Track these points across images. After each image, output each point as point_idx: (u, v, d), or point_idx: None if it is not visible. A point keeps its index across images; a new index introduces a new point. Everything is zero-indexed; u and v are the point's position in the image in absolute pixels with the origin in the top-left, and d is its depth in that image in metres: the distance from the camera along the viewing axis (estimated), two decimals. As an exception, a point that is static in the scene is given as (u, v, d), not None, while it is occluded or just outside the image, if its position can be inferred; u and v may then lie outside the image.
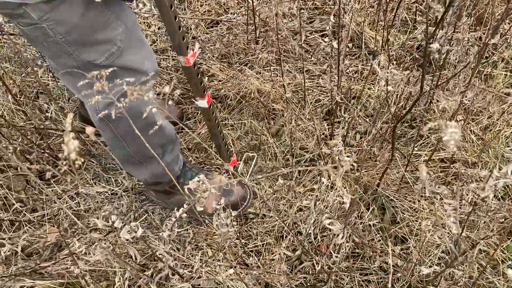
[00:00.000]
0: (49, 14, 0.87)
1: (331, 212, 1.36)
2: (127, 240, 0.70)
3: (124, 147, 1.20)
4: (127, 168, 1.35)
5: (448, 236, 1.23)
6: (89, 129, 0.49)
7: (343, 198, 0.61)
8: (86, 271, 1.24)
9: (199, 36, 1.89)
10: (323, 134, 1.56)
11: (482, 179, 0.71)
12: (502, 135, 1.52)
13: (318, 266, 0.99)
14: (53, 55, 0.98)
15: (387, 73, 0.91)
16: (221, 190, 1.36)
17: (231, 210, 0.85)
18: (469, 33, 1.36)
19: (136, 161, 1.26)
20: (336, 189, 1.26)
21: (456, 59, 1.67)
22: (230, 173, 1.35)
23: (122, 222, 0.69)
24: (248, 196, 1.40)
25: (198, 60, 1.79)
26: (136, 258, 1.28)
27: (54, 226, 1.42)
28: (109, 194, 1.49)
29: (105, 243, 1.32)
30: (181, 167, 1.36)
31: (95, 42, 0.96)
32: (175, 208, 0.95)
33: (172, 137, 1.28)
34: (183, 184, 1.35)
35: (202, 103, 1.17)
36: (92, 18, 0.92)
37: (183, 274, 1.05)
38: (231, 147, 1.56)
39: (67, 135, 0.43)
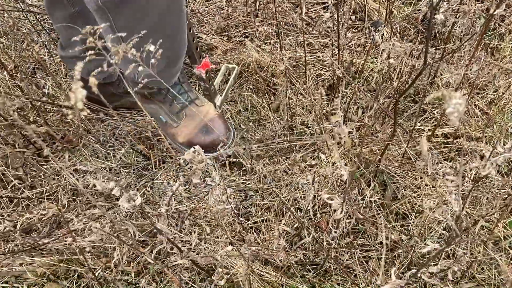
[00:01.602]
0: None
1: (331, 187, 1.34)
2: (127, 209, 0.68)
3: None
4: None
5: (449, 214, 1.21)
6: (92, 80, 0.46)
7: (341, 171, 0.59)
8: (84, 247, 1.24)
9: (197, 9, 1.84)
10: (324, 109, 1.53)
11: (485, 154, 0.69)
12: (507, 109, 1.49)
13: (310, 242, 0.98)
14: None
15: (389, 45, 0.88)
16: (200, 124, 1.22)
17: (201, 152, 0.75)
18: (475, 5, 1.31)
19: (130, 59, 1.18)
20: (334, 163, 1.24)
21: (462, 31, 1.63)
22: (215, 109, 1.17)
23: (121, 191, 0.67)
24: (230, 139, 1.24)
25: (196, 34, 1.75)
26: (134, 235, 1.28)
27: (53, 203, 1.41)
28: (107, 171, 1.47)
29: (104, 220, 1.31)
30: (175, 80, 1.23)
31: None
32: (171, 183, 0.94)
33: (182, 53, 1.14)
34: (165, 96, 1.22)
35: None
36: None
37: (182, 249, 1.04)
38: (233, 121, 1.53)
39: (75, 83, 0.40)
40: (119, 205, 0.74)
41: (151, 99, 1.25)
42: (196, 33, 1.75)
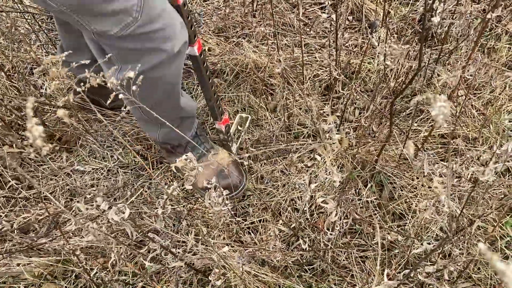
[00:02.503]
0: None
1: (327, 189, 1.34)
2: (116, 222, 0.68)
3: (140, 110, 1.19)
4: (139, 123, 1.36)
5: (444, 214, 1.21)
6: (61, 112, 0.47)
7: (333, 177, 0.59)
8: (82, 248, 1.25)
9: (195, 9, 1.85)
10: (321, 110, 1.53)
11: (482, 156, 0.69)
12: (504, 110, 1.49)
13: (305, 244, 0.98)
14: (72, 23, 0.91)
15: (386, 47, 0.88)
16: (216, 170, 1.34)
17: (221, 189, 0.84)
18: (471, 6, 1.32)
19: (151, 122, 1.26)
20: (329, 166, 1.24)
21: (458, 32, 1.63)
22: (231, 157, 1.33)
23: (109, 204, 0.67)
24: (242, 184, 1.36)
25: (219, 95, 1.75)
26: (132, 235, 1.28)
27: (50, 203, 1.41)
28: (105, 171, 1.47)
29: (101, 221, 1.31)
30: (193, 134, 1.36)
31: (102, 12, 0.87)
32: (168, 184, 0.95)
33: (193, 113, 1.27)
34: (185, 147, 1.36)
35: (192, 50, 1.07)
36: None
37: (177, 253, 1.04)
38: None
39: (29, 121, 0.40)
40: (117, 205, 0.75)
41: (174, 152, 1.37)
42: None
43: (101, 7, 0.85)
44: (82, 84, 0.65)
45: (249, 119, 1.48)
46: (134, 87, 0.61)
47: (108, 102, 0.69)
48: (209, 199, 0.84)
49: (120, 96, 0.66)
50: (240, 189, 1.36)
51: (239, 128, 1.48)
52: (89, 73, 0.59)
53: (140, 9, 0.89)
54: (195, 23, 1.06)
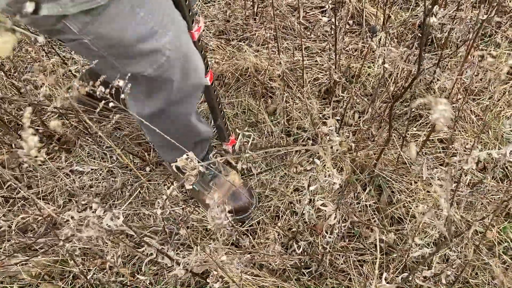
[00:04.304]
0: (90, 27, 0.79)
1: (326, 192, 1.35)
2: (109, 226, 0.68)
3: (158, 137, 1.20)
4: (155, 147, 1.39)
5: (441, 218, 1.22)
6: (54, 123, 0.47)
7: (333, 179, 0.59)
8: (80, 248, 1.24)
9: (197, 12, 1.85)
10: (320, 113, 1.53)
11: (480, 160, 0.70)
12: (503, 115, 1.50)
13: (299, 249, 0.98)
14: (101, 69, 0.90)
15: (384, 50, 0.88)
16: (229, 193, 1.35)
17: (227, 215, 0.82)
18: (472, 11, 1.32)
19: (167, 147, 1.27)
20: (328, 169, 1.25)
21: (458, 38, 1.64)
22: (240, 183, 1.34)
23: (104, 209, 0.67)
24: (253, 205, 1.37)
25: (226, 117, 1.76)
26: (130, 236, 1.28)
27: (49, 204, 1.41)
28: (103, 171, 1.47)
29: (99, 221, 1.31)
30: (203, 155, 1.36)
31: (139, 53, 0.88)
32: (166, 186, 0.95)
33: (207, 137, 1.29)
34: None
35: (205, 80, 1.14)
36: (135, 27, 0.84)
37: (176, 253, 1.04)
38: (230, 125, 1.54)
39: (25, 131, 0.40)
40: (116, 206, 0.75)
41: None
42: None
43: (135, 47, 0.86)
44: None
45: (252, 136, 1.51)
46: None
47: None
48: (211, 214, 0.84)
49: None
50: (249, 212, 1.36)
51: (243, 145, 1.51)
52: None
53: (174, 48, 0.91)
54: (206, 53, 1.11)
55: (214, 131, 1.38)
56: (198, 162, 1.34)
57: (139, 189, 1.42)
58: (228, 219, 0.73)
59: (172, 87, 0.99)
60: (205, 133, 1.26)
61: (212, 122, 1.33)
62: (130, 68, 0.90)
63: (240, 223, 1.35)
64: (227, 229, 1.04)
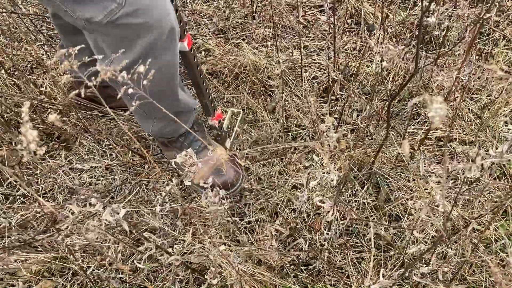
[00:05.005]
0: None
1: (324, 189, 1.35)
2: (109, 222, 0.69)
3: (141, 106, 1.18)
4: (135, 117, 1.34)
5: (439, 216, 1.22)
6: (52, 117, 0.48)
7: (330, 175, 0.60)
8: (79, 245, 1.25)
9: (196, 10, 1.86)
10: (319, 111, 1.54)
11: (472, 158, 0.70)
12: (500, 113, 1.50)
13: (304, 244, 0.99)
14: (54, 13, 0.91)
15: (382, 48, 0.89)
16: (213, 167, 1.34)
17: (218, 189, 0.84)
18: (469, 9, 1.33)
19: (145, 115, 1.25)
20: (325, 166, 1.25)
21: (456, 36, 1.64)
22: (227, 152, 1.34)
23: (103, 204, 0.68)
24: (239, 182, 1.36)
25: (194, 35, 1.76)
26: (130, 233, 1.28)
27: (49, 201, 1.42)
28: (103, 169, 1.48)
29: (98, 219, 1.32)
30: (189, 127, 1.34)
31: None
32: (165, 183, 0.95)
33: (190, 109, 1.26)
34: (181, 143, 1.36)
35: (182, 45, 1.06)
36: None
37: (174, 249, 1.05)
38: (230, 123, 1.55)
39: (24, 125, 0.41)
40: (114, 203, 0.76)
41: (170, 146, 1.37)
42: (193, 33, 1.77)
43: None
44: (93, 78, 0.65)
45: (241, 113, 1.49)
46: (145, 81, 0.61)
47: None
48: (206, 199, 0.84)
49: (124, 91, 0.65)
50: (236, 187, 1.35)
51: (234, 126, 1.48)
52: (100, 66, 0.59)
53: None
54: (183, 18, 1.06)
55: (199, 106, 1.34)
56: (183, 132, 1.29)
57: (139, 188, 1.43)
58: (223, 205, 0.74)
59: (137, 34, 0.95)
60: (187, 103, 1.24)
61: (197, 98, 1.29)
62: (80, 13, 0.89)
63: (239, 220, 1.35)
64: (223, 217, 1.04)
